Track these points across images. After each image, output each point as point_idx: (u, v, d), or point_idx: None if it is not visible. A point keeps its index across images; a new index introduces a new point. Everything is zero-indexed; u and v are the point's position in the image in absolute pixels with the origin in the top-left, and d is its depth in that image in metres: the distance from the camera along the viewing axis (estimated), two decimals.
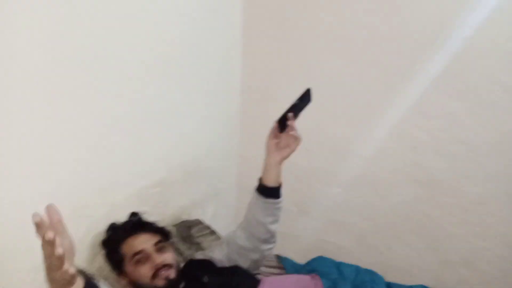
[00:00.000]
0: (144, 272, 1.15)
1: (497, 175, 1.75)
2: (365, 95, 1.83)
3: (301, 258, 1.68)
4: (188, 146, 1.67)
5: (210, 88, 1.75)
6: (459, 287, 1.25)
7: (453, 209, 1.84)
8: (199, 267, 1.30)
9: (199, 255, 1.40)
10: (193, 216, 1.79)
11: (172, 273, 1.17)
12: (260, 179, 1.25)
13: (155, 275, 1.15)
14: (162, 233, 1.27)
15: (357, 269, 1.52)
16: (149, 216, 1.32)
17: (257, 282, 1.21)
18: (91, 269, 1.21)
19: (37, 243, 0.70)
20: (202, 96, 1.71)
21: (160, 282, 1.15)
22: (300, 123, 1.18)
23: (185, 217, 1.73)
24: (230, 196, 2.16)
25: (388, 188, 1.91)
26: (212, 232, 1.70)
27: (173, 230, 1.56)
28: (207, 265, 1.32)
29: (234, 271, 1.26)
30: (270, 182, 1.23)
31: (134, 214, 1.27)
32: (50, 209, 0.71)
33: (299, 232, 2.01)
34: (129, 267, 1.18)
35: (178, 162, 1.61)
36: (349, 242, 2.02)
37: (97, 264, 1.24)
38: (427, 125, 1.80)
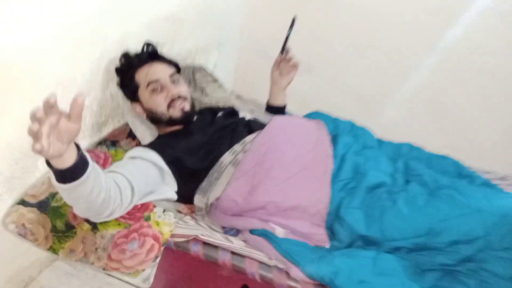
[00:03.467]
0: (160, 101, 1.19)
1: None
2: None
3: (296, 112, 1.76)
4: None
5: None
6: (446, 151, 1.36)
7: (458, 78, 1.89)
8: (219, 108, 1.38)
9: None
10: (197, 61, 1.79)
11: (187, 105, 1.21)
12: (268, 102, 1.51)
13: (170, 105, 1.19)
14: (175, 66, 1.28)
15: (352, 124, 1.60)
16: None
17: (264, 123, 1.28)
18: (104, 94, 1.24)
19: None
20: None
21: (175, 112, 1.19)
22: None
23: (189, 61, 1.72)
24: (232, 49, 2.13)
25: (397, 53, 1.91)
26: (215, 80, 1.71)
27: None
28: (228, 109, 1.40)
29: (248, 121, 1.33)
30: (278, 103, 1.48)
31: (148, 44, 1.24)
32: (77, 101, 0.66)
33: (300, 87, 2.06)
34: (144, 95, 1.20)
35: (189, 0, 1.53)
36: (346, 101, 2.11)
37: (109, 92, 1.27)
38: None
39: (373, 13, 1.88)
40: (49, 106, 0.63)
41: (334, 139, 1.26)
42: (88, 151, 1.17)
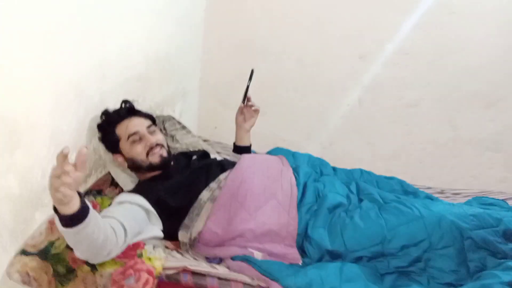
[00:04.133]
0: (140, 150, 1.33)
1: (430, 83, 2.09)
2: None
3: (260, 150, 1.96)
4: (160, 43, 1.77)
5: None
6: (386, 174, 1.61)
7: (390, 110, 2.19)
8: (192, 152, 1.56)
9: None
10: (165, 112, 1.95)
11: (164, 152, 1.37)
12: (235, 143, 1.69)
13: (149, 153, 1.34)
14: (151, 119, 1.44)
15: (309, 156, 1.80)
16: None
17: (235, 162, 1.46)
18: (88, 150, 1.37)
19: None
20: None
21: (155, 159, 1.34)
22: None
23: (158, 112, 1.89)
24: (194, 97, 2.32)
25: (339, 93, 2.20)
26: (183, 127, 1.88)
27: None
28: (200, 152, 1.57)
29: (220, 161, 1.50)
30: (244, 143, 1.67)
31: (125, 101, 1.40)
32: (82, 151, 0.83)
33: (258, 129, 2.27)
34: (125, 147, 1.35)
35: (154, 59, 1.72)
36: (299, 138, 2.34)
37: (92, 146, 1.40)
38: (376, 36, 2.05)
39: (310, 60, 2.18)
40: (64, 157, 0.77)
41: (296, 170, 1.45)
42: None
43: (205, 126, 2.51)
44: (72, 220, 0.88)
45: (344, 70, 2.18)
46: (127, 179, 1.43)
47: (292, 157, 1.81)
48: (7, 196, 1.00)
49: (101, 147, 1.40)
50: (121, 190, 1.42)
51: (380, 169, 1.75)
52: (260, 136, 2.10)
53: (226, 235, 1.23)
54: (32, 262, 1.04)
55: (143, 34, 1.59)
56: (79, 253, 1.00)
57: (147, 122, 1.39)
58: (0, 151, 0.95)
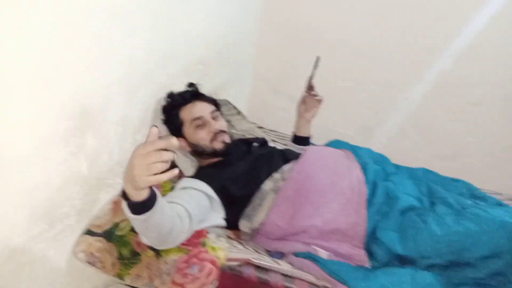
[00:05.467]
0: (203, 135, 1.30)
1: (497, 80, 1.94)
2: None
3: (314, 142, 1.89)
4: (220, 28, 1.72)
5: None
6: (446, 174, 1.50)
7: (453, 108, 2.06)
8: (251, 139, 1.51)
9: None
10: (221, 96, 1.91)
11: (227, 138, 1.32)
12: (294, 133, 1.63)
13: (213, 139, 1.30)
14: (215, 104, 1.39)
15: (370, 151, 1.72)
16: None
17: (298, 153, 1.40)
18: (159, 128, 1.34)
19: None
20: None
21: (218, 144, 1.30)
22: None
23: (215, 97, 1.85)
24: (246, 83, 2.27)
25: (399, 87, 2.08)
26: (239, 112, 1.84)
27: None
28: (260, 139, 1.52)
29: (281, 150, 1.44)
30: (304, 134, 1.61)
31: (191, 85, 1.36)
32: (153, 132, 0.75)
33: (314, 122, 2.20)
34: (188, 131, 1.31)
35: (214, 44, 1.67)
36: (354, 132, 2.24)
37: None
38: (442, 27, 1.91)
39: (369, 50, 2.06)
40: (155, 135, 0.73)
41: (364, 166, 1.37)
42: None
43: (255, 113, 2.46)
44: (142, 207, 0.84)
45: (405, 63, 2.05)
46: (187, 164, 1.40)
47: (352, 151, 1.73)
48: (77, 177, 0.99)
49: (164, 129, 1.37)
50: (182, 174, 1.39)
51: (438, 170, 1.65)
52: (316, 128, 2.03)
53: (289, 229, 1.18)
54: (97, 243, 1.03)
55: (205, 18, 1.54)
56: (145, 239, 0.97)
57: (211, 107, 1.35)
58: (71, 132, 0.93)
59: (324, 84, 2.12)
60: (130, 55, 1.09)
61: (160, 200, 0.87)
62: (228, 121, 1.77)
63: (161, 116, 1.34)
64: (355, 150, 1.72)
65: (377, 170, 1.36)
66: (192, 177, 1.25)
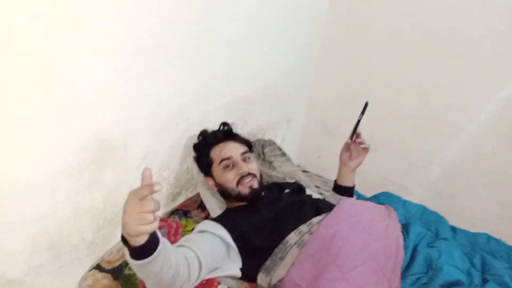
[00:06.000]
0: (230, 177, 1.24)
1: None
2: None
3: (364, 191, 1.73)
4: (271, 70, 1.69)
5: (296, 15, 1.72)
6: None
7: None
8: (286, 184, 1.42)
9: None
10: (267, 136, 1.86)
11: (255, 183, 1.25)
12: (336, 182, 1.47)
13: (239, 182, 1.24)
14: (248, 145, 1.34)
15: (424, 209, 1.54)
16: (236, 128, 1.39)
17: (332, 204, 1.28)
18: (181, 167, 1.33)
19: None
20: (289, 23, 1.68)
21: (244, 189, 1.24)
22: None
23: (260, 136, 1.81)
24: (298, 124, 2.20)
25: (467, 136, 1.86)
26: (284, 154, 1.76)
27: None
28: (295, 185, 1.43)
29: (315, 200, 1.34)
30: (346, 184, 1.45)
31: (224, 124, 1.33)
32: (145, 173, 0.70)
33: (365, 168, 2.04)
34: (216, 171, 1.27)
35: (261, 85, 1.64)
36: (414, 184, 2.04)
37: (186, 165, 1.35)
38: None
39: (437, 98, 1.88)
40: (147, 178, 0.69)
41: (405, 227, 1.21)
42: (162, 219, 1.24)
43: (307, 155, 2.37)
44: (141, 251, 0.79)
45: (477, 113, 1.84)
46: (215, 204, 1.35)
47: (402, 208, 1.57)
48: (89, 210, 0.98)
49: (194, 167, 1.34)
50: (208, 215, 1.34)
51: (508, 236, 1.41)
52: (365, 175, 1.88)
53: None
54: (104, 280, 1.00)
55: (253, 60, 1.52)
56: (148, 286, 0.92)
57: (243, 148, 1.29)
58: (87, 165, 0.93)
59: (382, 128, 2.00)
60: (159, 92, 1.09)
61: (163, 247, 0.82)
62: (269, 162, 1.71)
63: (193, 153, 1.32)
64: (405, 207, 1.56)
65: (422, 233, 1.19)
66: (213, 219, 1.19)
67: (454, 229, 1.44)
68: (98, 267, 1.02)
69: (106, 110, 0.94)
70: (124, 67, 0.94)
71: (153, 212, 0.70)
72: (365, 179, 2.02)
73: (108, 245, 1.07)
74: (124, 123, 1.01)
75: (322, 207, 1.26)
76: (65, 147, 0.87)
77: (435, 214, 1.53)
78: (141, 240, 0.76)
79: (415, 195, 2.00)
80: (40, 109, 0.79)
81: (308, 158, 2.36)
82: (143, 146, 1.09)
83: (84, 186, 0.94)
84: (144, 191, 0.69)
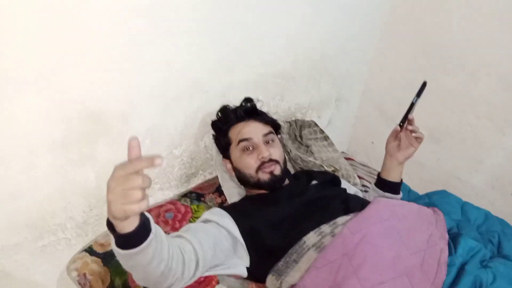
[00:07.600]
0: (249, 161, 1.08)
1: None
2: None
3: (420, 189, 1.47)
4: (320, 40, 1.47)
5: None
6: None
7: None
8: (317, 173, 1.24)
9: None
10: (308, 117, 1.67)
11: (277, 169, 1.09)
12: (379, 175, 1.24)
13: (259, 168, 1.08)
14: (273, 125, 1.17)
15: (487, 215, 1.27)
16: (263, 105, 1.22)
17: (366, 202, 1.08)
18: (197, 146, 1.20)
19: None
20: None
21: (264, 176, 1.07)
22: None
23: (299, 116, 1.62)
24: (351, 105, 1.96)
25: None
26: (326, 137, 1.56)
27: (284, 126, 1.47)
28: (328, 176, 1.24)
29: (347, 196, 1.15)
30: (391, 178, 1.22)
31: (247, 100, 1.17)
32: (132, 144, 0.57)
33: (424, 160, 1.77)
34: (234, 153, 1.12)
35: (304, 56, 1.43)
36: (482, 182, 1.73)
37: (203, 143, 1.22)
38: None
39: None
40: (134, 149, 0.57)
41: (455, 239, 0.98)
42: (170, 202, 1.12)
43: (360, 141, 2.13)
44: (127, 240, 0.66)
45: None
46: (233, 189, 1.20)
47: (460, 212, 1.31)
48: (78, 187, 0.88)
49: (214, 147, 1.21)
50: (224, 200, 1.21)
51: None
52: (426, 169, 1.61)
53: None
54: (93, 264, 0.91)
55: (293, 25, 1.31)
56: (135, 279, 0.80)
57: (266, 129, 1.12)
58: (74, 138, 0.82)
59: (449, 117, 1.70)
60: (169, 59, 0.95)
61: (154, 239, 0.69)
62: (307, 146, 1.52)
63: (212, 131, 1.18)
64: (464, 211, 1.31)
65: (474, 247, 0.95)
66: (223, 207, 1.05)
67: None
68: (89, 250, 0.94)
69: (98, 77, 0.83)
70: (124, 26, 0.82)
71: (142, 188, 0.56)
72: (424, 173, 1.77)
73: (103, 226, 0.98)
74: (122, 94, 0.89)
75: (354, 204, 1.06)
76: (44, 117, 0.77)
77: (502, 222, 1.25)
78: (128, 226, 0.63)
79: (482, 197, 1.69)
80: (11, 69, 0.69)
81: (361, 144, 2.13)
82: (146, 119, 0.97)
83: (71, 161, 0.84)
84: (133, 166, 0.55)
